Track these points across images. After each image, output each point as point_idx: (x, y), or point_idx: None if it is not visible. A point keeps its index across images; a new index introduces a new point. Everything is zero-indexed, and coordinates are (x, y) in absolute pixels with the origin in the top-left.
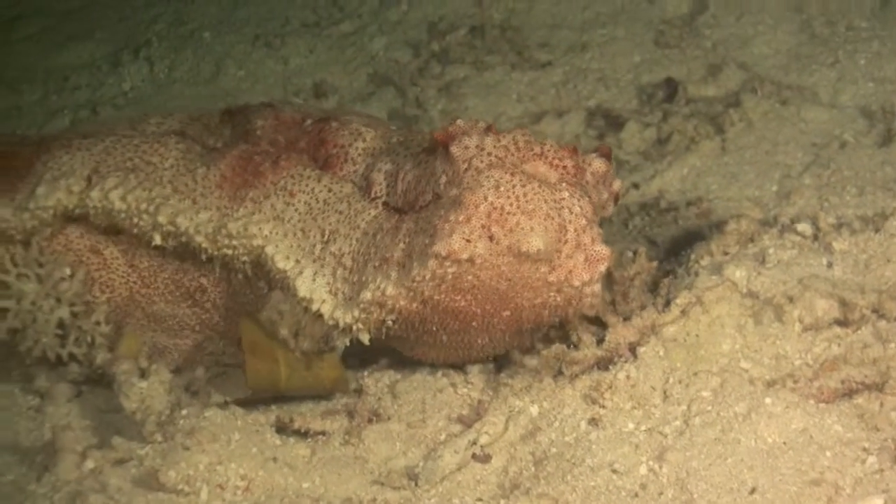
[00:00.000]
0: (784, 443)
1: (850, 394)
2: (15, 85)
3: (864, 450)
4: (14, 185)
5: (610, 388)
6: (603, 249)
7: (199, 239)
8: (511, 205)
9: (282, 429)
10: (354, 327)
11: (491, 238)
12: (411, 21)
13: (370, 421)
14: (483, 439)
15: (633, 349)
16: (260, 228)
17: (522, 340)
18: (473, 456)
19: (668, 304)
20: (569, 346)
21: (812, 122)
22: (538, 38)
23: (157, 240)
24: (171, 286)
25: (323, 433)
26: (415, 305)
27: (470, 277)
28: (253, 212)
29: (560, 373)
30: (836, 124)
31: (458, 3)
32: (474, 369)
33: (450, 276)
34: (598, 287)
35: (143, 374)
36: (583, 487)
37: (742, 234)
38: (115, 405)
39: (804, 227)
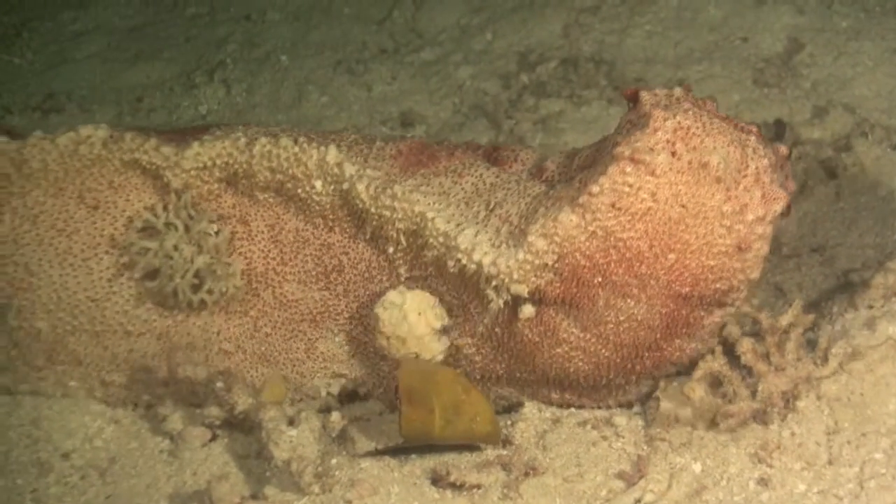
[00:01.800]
0: None
1: None
2: (86, 105)
3: None
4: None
5: (778, 447)
6: (781, 192)
7: (360, 188)
8: (698, 127)
9: (437, 481)
10: (513, 280)
11: (674, 154)
12: (497, 51)
13: (526, 474)
14: (648, 497)
15: (786, 400)
16: (424, 196)
17: (672, 343)
18: None
19: (824, 357)
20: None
21: None
22: (633, 72)
23: (318, 186)
24: (310, 263)
25: (479, 486)
26: (583, 238)
27: (646, 196)
28: (420, 184)
29: (715, 424)
30: None
31: (545, 34)
32: (622, 421)
33: (626, 192)
34: (769, 231)
35: (291, 422)
36: None
37: (889, 289)
38: (253, 450)
39: None
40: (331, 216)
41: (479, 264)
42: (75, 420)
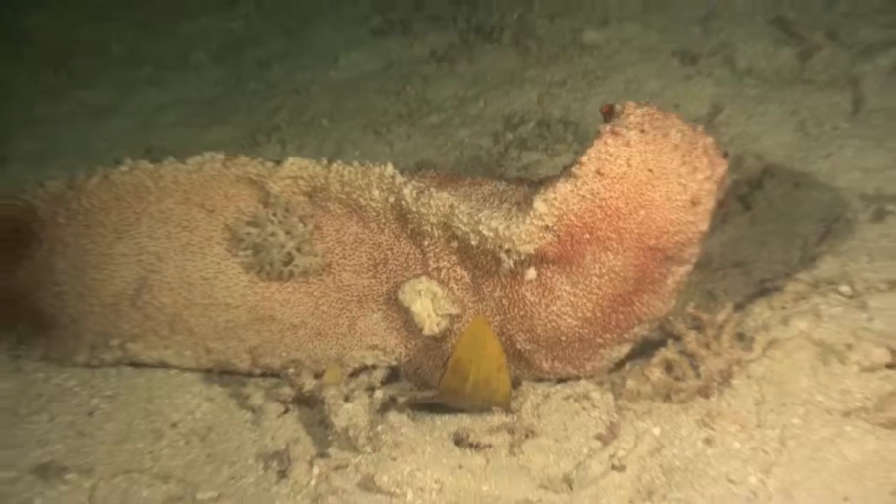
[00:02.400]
0: (864, 461)
1: None
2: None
3: None
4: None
5: (718, 415)
6: (722, 159)
7: (406, 192)
8: (660, 114)
9: (459, 442)
10: (522, 241)
11: (642, 130)
12: (487, 115)
13: (526, 436)
14: (619, 453)
15: (723, 378)
16: (451, 196)
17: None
18: (612, 466)
19: (750, 345)
20: (674, 378)
21: (818, 201)
22: (594, 129)
23: (376, 194)
24: (364, 258)
25: (490, 446)
26: (576, 201)
27: (622, 163)
28: (449, 192)
29: (668, 398)
30: (838, 204)
31: (524, 102)
32: (597, 395)
33: (608, 160)
34: (714, 189)
35: (347, 398)
36: (709, 494)
37: (798, 294)
38: (316, 420)
39: (845, 288)
40: (382, 220)
41: (496, 231)
42: (179, 398)
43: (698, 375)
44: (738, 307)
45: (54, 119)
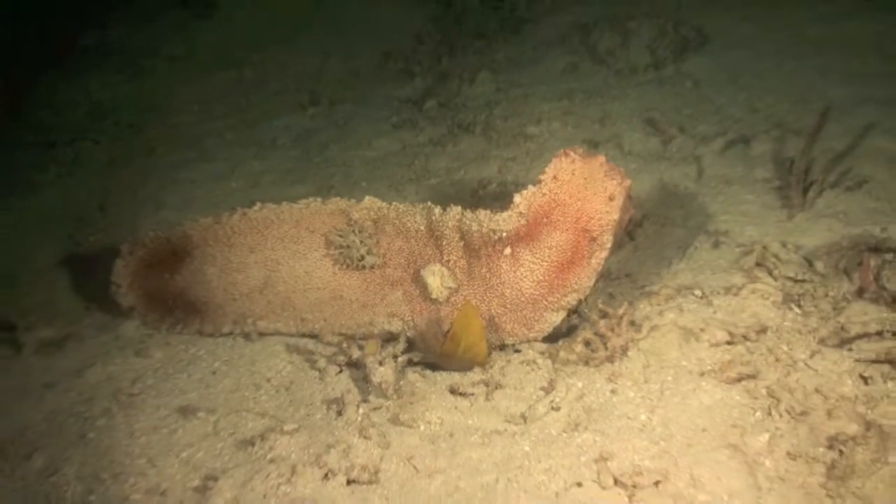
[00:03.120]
0: (713, 405)
1: (739, 380)
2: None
3: (752, 408)
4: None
5: (620, 375)
6: (623, 180)
7: (436, 211)
8: (583, 156)
9: (453, 392)
10: (507, 225)
11: (581, 155)
12: (466, 180)
13: (496, 388)
14: (556, 399)
15: (623, 351)
16: (461, 208)
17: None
18: (552, 408)
19: (639, 329)
20: (590, 350)
21: (677, 235)
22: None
23: (419, 218)
24: (402, 258)
25: (472, 394)
26: (539, 197)
27: (568, 171)
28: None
29: (587, 363)
30: (690, 237)
31: (490, 171)
32: (542, 362)
33: (560, 169)
34: (623, 191)
35: (381, 363)
36: (615, 426)
37: (668, 297)
38: (360, 377)
39: (697, 292)
40: (418, 236)
41: (490, 219)
42: (271, 361)
43: (606, 349)
44: (630, 304)
45: (190, 181)
